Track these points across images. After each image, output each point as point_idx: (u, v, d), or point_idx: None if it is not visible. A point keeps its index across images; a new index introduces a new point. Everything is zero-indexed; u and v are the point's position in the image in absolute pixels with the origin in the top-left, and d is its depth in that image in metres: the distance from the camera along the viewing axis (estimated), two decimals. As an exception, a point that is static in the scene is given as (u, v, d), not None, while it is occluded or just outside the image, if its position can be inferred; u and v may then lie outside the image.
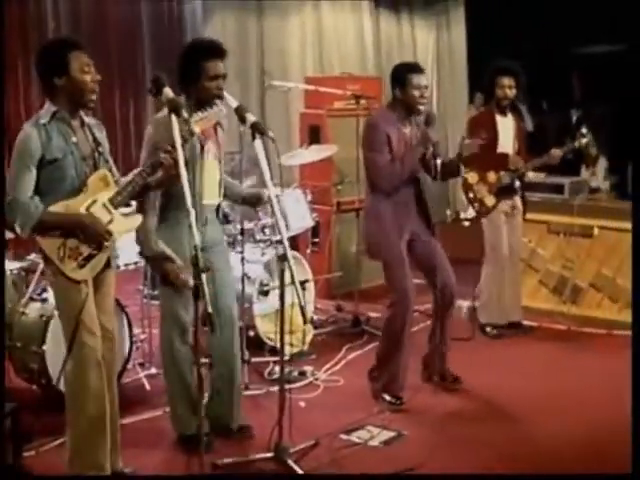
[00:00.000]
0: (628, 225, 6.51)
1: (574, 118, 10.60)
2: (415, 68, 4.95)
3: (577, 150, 6.41)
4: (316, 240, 6.98)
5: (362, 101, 6.56)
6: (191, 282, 3.47)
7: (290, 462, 4.09)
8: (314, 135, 7.08)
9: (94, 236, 3.66)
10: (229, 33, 8.74)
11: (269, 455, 4.16)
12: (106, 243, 3.71)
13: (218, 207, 4.43)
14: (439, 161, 4.99)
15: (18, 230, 3.63)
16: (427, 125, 4.88)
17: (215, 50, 4.23)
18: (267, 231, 5.97)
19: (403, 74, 4.87)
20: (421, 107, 4.87)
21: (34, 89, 7.76)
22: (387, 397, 4.98)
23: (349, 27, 9.63)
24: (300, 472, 4.03)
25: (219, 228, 4.49)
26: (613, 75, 10.13)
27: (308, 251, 6.62)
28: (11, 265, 5.19)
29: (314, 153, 6.37)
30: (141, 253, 4.37)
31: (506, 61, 6.18)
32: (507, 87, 6.05)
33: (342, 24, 9.58)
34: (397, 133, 4.86)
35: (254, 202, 4.71)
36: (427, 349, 5.29)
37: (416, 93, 4.82)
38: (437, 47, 10.96)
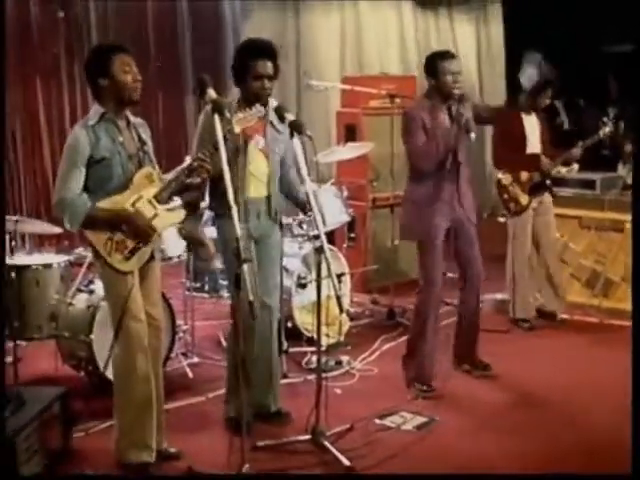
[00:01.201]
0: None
1: (611, 116, 10.66)
2: (446, 55, 5.08)
3: (605, 142, 6.56)
4: (352, 235, 7.17)
5: (397, 100, 6.74)
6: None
7: (327, 443, 4.30)
8: (350, 133, 7.28)
9: (139, 231, 3.89)
10: (267, 32, 8.91)
11: (307, 437, 4.36)
12: (150, 237, 3.94)
13: (269, 200, 4.56)
14: (472, 135, 4.95)
15: (67, 225, 3.88)
16: (459, 103, 4.96)
17: (262, 50, 4.41)
18: (304, 226, 6.18)
19: (434, 62, 5.01)
20: (456, 91, 4.97)
21: (78, 93, 8.07)
22: (417, 385, 5.16)
23: (388, 25, 9.71)
24: (336, 453, 4.23)
25: (269, 221, 4.60)
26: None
27: (345, 245, 6.82)
28: (58, 258, 5.47)
29: (350, 150, 6.56)
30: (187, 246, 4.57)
31: (553, 71, 6.39)
32: (547, 96, 6.31)
33: (381, 22, 9.68)
34: (433, 119, 4.98)
35: (304, 208, 4.84)
36: (454, 337, 5.50)
37: (449, 79, 4.95)
38: (477, 44, 11.00)
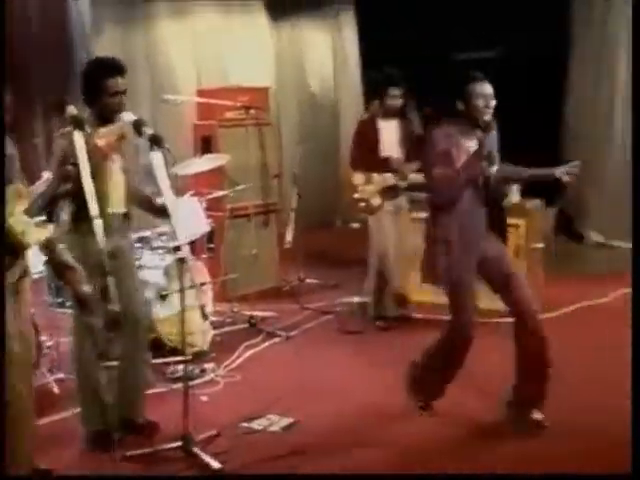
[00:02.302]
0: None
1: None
2: (477, 77, 4.58)
3: None
4: (211, 245, 7.28)
5: (252, 111, 6.91)
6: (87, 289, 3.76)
7: (196, 450, 4.40)
8: (206, 145, 7.39)
9: (10, 247, 3.89)
10: (117, 49, 8.88)
11: (176, 445, 4.45)
12: (22, 253, 3.94)
13: (126, 215, 4.68)
14: (494, 168, 4.63)
15: None
16: (484, 132, 4.55)
17: (115, 67, 4.51)
18: (164, 238, 6.26)
19: (465, 85, 4.54)
20: (487, 117, 4.54)
21: None
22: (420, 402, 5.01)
23: (244, 37, 9.86)
24: (206, 457, 4.34)
25: (126, 236, 4.74)
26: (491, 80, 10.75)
27: (204, 256, 6.92)
28: None
29: (207, 162, 6.66)
30: (47, 261, 4.58)
31: (395, 71, 6.60)
32: (394, 97, 6.51)
33: (236, 34, 9.82)
34: (460, 148, 4.53)
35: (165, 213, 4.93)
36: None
37: (481, 103, 4.51)
38: (333, 53, 11.26)
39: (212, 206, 6.91)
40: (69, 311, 5.92)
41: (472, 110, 4.52)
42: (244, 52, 9.73)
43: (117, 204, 4.59)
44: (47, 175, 5.64)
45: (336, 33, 11.29)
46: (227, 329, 6.67)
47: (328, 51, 11.19)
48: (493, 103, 4.55)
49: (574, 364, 5.79)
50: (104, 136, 4.12)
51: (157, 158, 4.30)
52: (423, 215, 7.03)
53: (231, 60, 9.51)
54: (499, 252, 4.74)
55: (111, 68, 4.50)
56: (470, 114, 4.53)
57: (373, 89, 6.67)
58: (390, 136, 6.58)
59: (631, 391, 3.87)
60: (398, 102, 6.54)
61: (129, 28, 8.85)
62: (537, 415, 4.75)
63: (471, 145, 4.54)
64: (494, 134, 4.65)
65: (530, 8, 10.91)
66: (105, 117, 4.41)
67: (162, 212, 4.88)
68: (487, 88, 4.55)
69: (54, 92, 8.12)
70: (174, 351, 5.92)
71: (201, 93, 7.57)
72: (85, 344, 4.57)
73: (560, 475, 4.30)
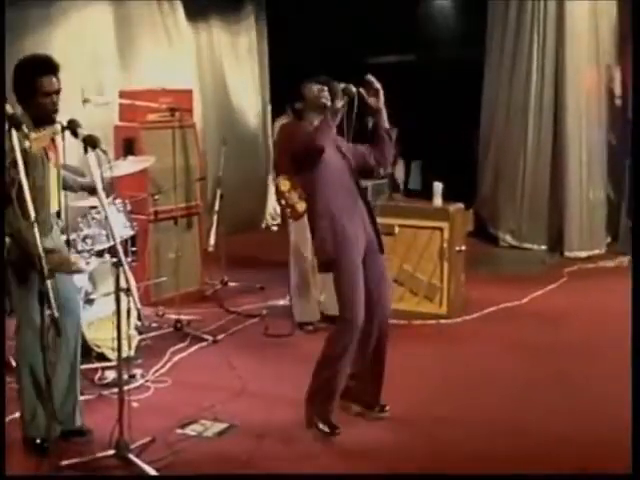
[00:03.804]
0: (423, 223, 7.19)
1: (370, 124, 11.26)
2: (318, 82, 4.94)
3: None
4: (134, 249, 7.17)
5: (176, 113, 6.85)
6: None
7: (131, 457, 4.33)
8: (129, 147, 7.27)
9: None
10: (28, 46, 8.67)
11: (111, 452, 4.37)
12: None
13: (59, 214, 4.60)
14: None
15: None
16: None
17: (48, 66, 4.38)
18: (89, 241, 6.13)
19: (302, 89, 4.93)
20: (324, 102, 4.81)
21: None
22: (321, 425, 4.78)
23: (162, 38, 9.75)
24: (142, 465, 4.27)
25: (59, 235, 4.65)
26: (403, 83, 10.93)
27: (128, 259, 6.80)
28: None
29: (131, 164, 6.56)
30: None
31: (322, 76, 6.58)
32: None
33: (154, 35, 9.69)
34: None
35: (91, 190, 4.83)
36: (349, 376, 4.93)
37: (315, 93, 4.88)
38: (249, 57, 11.24)
39: (135, 209, 6.81)
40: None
41: (313, 100, 4.86)
42: (165, 53, 9.62)
43: (53, 203, 4.50)
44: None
45: (251, 35, 11.28)
46: (153, 334, 6.58)
47: (245, 53, 11.16)
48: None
49: (503, 364, 5.97)
50: (37, 140, 4.02)
51: (92, 160, 4.23)
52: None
53: (152, 61, 9.37)
54: (376, 245, 4.84)
55: (44, 66, 4.38)
56: (311, 104, 4.87)
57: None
58: None
59: (631, 391, 3.98)
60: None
61: (48, 26, 8.62)
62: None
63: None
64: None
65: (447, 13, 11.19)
66: (39, 117, 4.30)
67: (84, 188, 4.91)
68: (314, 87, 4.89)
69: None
70: (101, 357, 5.84)
71: (124, 94, 7.44)
72: (31, 346, 4.42)
73: (560, 475, 4.36)
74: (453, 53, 11.06)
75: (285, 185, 6.59)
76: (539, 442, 4.69)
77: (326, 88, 4.86)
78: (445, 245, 7.09)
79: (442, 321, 7.04)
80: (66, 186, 4.82)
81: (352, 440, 4.74)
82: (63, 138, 4.58)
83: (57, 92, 4.40)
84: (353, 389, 4.98)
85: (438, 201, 7.26)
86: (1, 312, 4.49)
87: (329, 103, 4.78)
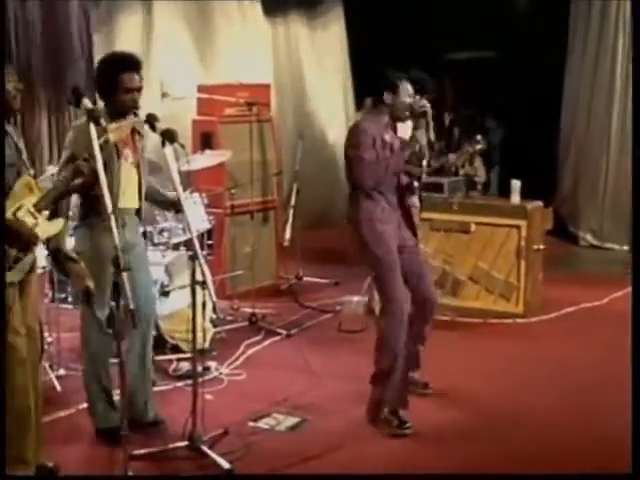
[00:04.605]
0: (500, 220, 7.09)
1: (447, 121, 11.16)
2: (413, 74, 5.06)
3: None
4: (211, 242, 7.24)
5: (254, 108, 6.88)
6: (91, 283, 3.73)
7: (204, 448, 4.37)
8: (206, 141, 7.33)
9: (22, 239, 3.84)
10: (118, 42, 8.80)
11: (184, 444, 4.42)
12: (33, 246, 3.90)
13: (138, 211, 4.64)
14: (424, 163, 5.01)
15: None
16: (415, 129, 5.01)
17: (131, 63, 4.45)
18: (165, 234, 6.20)
19: (396, 80, 4.86)
20: (408, 115, 4.96)
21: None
22: (394, 420, 4.81)
23: (241, 34, 9.81)
24: (215, 456, 4.31)
25: (137, 231, 4.70)
26: (480, 80, 10.79)
27: (204, 252, 6.87)
28: None
29: (209, 158, 6.62)
30: (52, 255, 4.53)
31: (426, 77, 6.51)
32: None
33: (234, 30, 9.75)
34: (381, 138, 4.82)
35: (173, 206, 4.86)
36: None
37: (407, 100, 4.88)
38: (325, 51, 11.21)
39: (212, 203, 6.86)
40: (70, 307, 5.94)
41: (398, 105, 4.86)
42: (241, 47, 9.66)
43: (129, 200, 4.54)
44: (52, 169, 5.62)
45: (331, 29, 11.25)
46: (228, 327, 6.62)
47: (324, 47, 11.13)
48: (421, 102, 4.98)
49: (578, 364, 5.84)
50: (115, 131, 4.07)
51: (170, 153, 4.27)
52: (432, 215, 7.15)
53: (229, 55, 9.44)
54: (413, 241, 4.99)
55: (127, 63, 4.44)
56: (395, 108, 4.87)
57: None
58: (405, 137, 6.51)
59: (631, 392, 3.92)
60: (424, 108, 6.48)
61: (128, 22, 8.77)
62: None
63: (387, 137, 4.85)
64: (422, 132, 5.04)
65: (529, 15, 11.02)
66: (119, 113, 4.35)
67: (171, 206, 4.88)
68: (411, 88, 4.90)
69: (55, 86, 8.09)
70: (175, 348, 5.91)
71: (202, 89, 7.50)
72: (93, 339, 4.53)
73: (560, 475, 4.32)
74: (533, 51, 10.86)
75: None
76: (614, 444, 4.55)
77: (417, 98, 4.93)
78: (523, 243, 6.97)
79: (518, 320, 6.93)
80: (152, 200, 4.86)
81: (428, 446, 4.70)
82: (142, 135, 4.61)
83: (138, 89, 4.45)
84: None
85: (516, 199, 7.14)
86: (1, 310, 4.55)
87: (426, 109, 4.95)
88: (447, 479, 4.33)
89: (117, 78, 4.38)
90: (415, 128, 5.13)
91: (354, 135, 4.83)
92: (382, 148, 4.79)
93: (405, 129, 6.48)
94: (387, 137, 4.85)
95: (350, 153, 4.82)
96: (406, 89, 4.87)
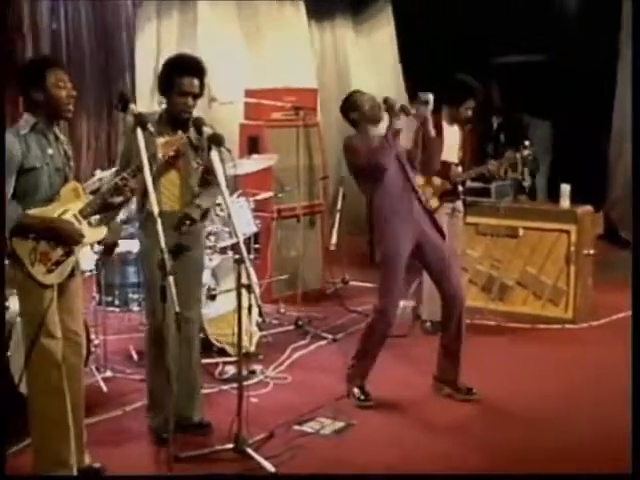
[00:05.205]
0: (550, 225, 7.01)
1: (495, 125, 11.08)
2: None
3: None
4: (257, 246, 7.26)
5: (300, 112, 6.90)
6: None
7: (250, 451, 4.37)
8: (253, 145, 7.36)
9: (68, 239, 3.88)
10: (162, 43, 8.87)
11: (230, 446, 4.42)
12: (75, 249, 3.93)
13: (186, 214, 4.54)
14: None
15: None
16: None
17: (191, 67, 4.46)
18: (212, 238, 6.24)
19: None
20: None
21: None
22: (357, 392, 5.24)
23: (288, 38, 9.82)
24: (260, 459, 4.31)
25: (191, 234, 4.62)
26: (530, 83, 10.69)
27: (251, 256, 6.89)
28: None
29: (255, 163, 6.64)
30: None
31: (475, 82, 6.45)
32: (469, 107, 6.40)
33: (281, 34, 9.78)
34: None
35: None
36: (438, 360, 5.40)
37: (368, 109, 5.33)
38: (371, 53, 11.17)
39: (258, 207, 6.89)
40: (117, 310, 6.01)
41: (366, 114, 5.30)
42: (286, 51, 9.68)
43: (172, 202, 4.54)
44: (99, 174, 5.69)
45: (380, 33, 11.21)
46: (273, 330, 6.64)
47: (372, 51, 11.10)
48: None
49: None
50: (163, 146, 4.10)
51: (216, 158, 4.28)
52: (478, 219, 7.10)
53: (275, 60, 9.47)
54: (436, 240, 5.23)
55: (187, 67, 4.45)
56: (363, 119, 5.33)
57: (446, 95, 6.48)
58: (451, 141, 6.47)
59: (631, 392, 3.89)
60: (470, 113, 6.45)
61: (173, 26, 8.84)
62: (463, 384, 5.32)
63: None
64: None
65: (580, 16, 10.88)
66: (172, 116, 4.37)
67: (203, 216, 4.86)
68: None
69: (99, 91, 8.20)
70: (222, 351, 5.93)
71: (249, 93, 7.53)
72: (155, 340, 4.48)
73: (560, 475, 4.29)
74: (584, 53, 10.73)
75: (419, 180, 6.49)
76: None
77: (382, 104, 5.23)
78: (572, 248, 6.89)
79: (567, 326, 6.84)
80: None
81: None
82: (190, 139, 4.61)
83: (195, 95, 4.45)
84: (440, 367, 5.37)
85: (566, 203, 7.06)
86: (1, 311, 4.60)
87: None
88: (447, 479, 4.32)
89: (174, 80, 4.40)
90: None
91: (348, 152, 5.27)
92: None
93: (453, 134, 6.49)
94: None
95: (347, 159, 5.29)
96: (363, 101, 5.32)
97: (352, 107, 5.34)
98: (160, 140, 4.11)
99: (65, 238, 3.89)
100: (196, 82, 4.44)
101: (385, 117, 5.23)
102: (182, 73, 4.41)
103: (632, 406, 3.85)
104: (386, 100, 5.23)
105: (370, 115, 5.27)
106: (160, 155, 4.10)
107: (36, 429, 4.02)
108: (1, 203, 3.76)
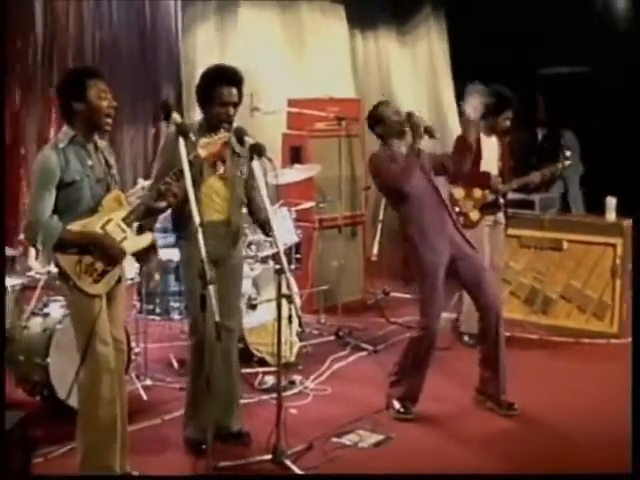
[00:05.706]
0: (595, 238, 6.91)
1: (540, 136, 10.99)
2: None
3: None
4: (298, 256, 7.25)
5: (343, 122, 6.89)
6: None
7: (288, 463, 4.35)
8: (296, 155, 7.37)
9: (109, 253, 3.91)
10: (202, 50, 8.87)
11: (268, 457, 4.41)
12: (121, 260, 3.96)
13: (229, 224, 4.57)
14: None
15: (40, 247, 3.89)
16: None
17: (230, 77, 4.47)
18: (253, 247, 6.25)
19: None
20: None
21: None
22: (397, 405, 5.17)
23: (330, 48, 9.80)
24: (299, 472, 4.29)
25: (233, 244, 4.64)
26: (575, 95, 10.57)
27: (292, 266, 6.88)
28: (11, 282, 5.33)
29: (298, 172, 6.64)
30: None
31: (511, 94, 6.41)
32: (507, 118, 6.36)
33: (323, 45, 9.77)
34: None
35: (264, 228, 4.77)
36: (479, 374, 5.35)
37: (395, 120, 5.22)
38: (413, 64, 11.11)
39: (300, 217, 6.88)
40: (158, 318, 6.03)
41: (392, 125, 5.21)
42: (325, 60, 9.65)
43: (217, 212, 4.54)
44: (142, 182, 5.72)
45: (424, 44, 11.13)
46: (314, 341, 6.62)
47: (415, 61, 11.03)
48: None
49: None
50: (206, 146, 4.09)
51: (258, 167, 4.28)
52: (521, 231, 7.02)
53: (318, 69, 9.45)
54: (468, 252, 5.20)
55: (226, 77, 4.46)
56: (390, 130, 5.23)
57: (487, 113, 6.41)
58: (490, 153, 6.42)
59: (631, 392, 3.87)
60: (508, 123, 6.40)
61: (218, 31, 8.84)
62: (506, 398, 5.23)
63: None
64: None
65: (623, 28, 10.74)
66: (212, 126, 4.37)
67: (261, 227, 4.84)
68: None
69: (137, 98, 8.22)
70: (262, 361, 5.93)
71: (292, 103, 7.54)
72: (198, 349, 4.48)
73: (560, 475, 4.26)
74: (629, 65, 10.58)
75: (459, 193, 6.47)
76: None
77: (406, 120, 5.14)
78: (618, 261, 6.79)
79: (612, 341, 6.74)
80: (252, 216, 4.85)
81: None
82: (233, 149, 4.61)
83: (234, 104, 4.46)
84: (481, 380, 5.31)
85: (611, 216, 6.96)
86: (1, 310, 4.61)
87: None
88: (447, 479, 4.32)
89: (214, 91, 4.41)
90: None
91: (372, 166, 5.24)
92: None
93: (491, 146, 6.44)
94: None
95: (372, 177, 5.29)
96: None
97: (377, 120, 5.25)
98: (202, 140, 4.09)
99: (105, 254, 3.91)
100: (235, 91, 4.45)
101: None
102: (221, 83, 4.42)
103: (632, 407, 3.83)
104: (410, 116, 5.13)
105: (395, 129, 5.20)
106: (203, 155, 4.07)
107: (86, 435, 4.04)
108: (1, 203, 3.79)
